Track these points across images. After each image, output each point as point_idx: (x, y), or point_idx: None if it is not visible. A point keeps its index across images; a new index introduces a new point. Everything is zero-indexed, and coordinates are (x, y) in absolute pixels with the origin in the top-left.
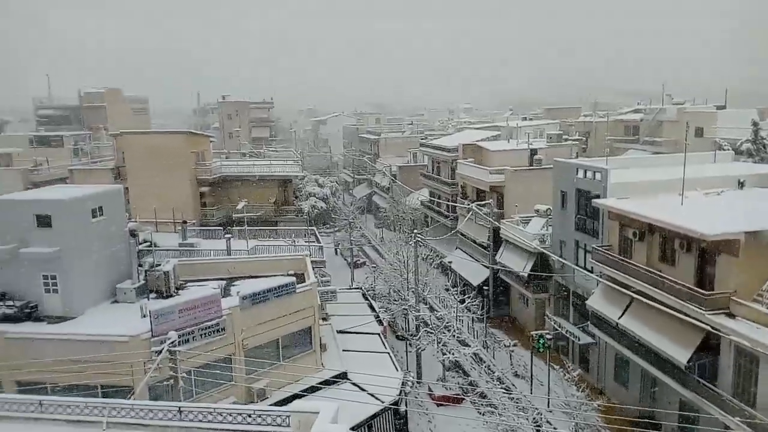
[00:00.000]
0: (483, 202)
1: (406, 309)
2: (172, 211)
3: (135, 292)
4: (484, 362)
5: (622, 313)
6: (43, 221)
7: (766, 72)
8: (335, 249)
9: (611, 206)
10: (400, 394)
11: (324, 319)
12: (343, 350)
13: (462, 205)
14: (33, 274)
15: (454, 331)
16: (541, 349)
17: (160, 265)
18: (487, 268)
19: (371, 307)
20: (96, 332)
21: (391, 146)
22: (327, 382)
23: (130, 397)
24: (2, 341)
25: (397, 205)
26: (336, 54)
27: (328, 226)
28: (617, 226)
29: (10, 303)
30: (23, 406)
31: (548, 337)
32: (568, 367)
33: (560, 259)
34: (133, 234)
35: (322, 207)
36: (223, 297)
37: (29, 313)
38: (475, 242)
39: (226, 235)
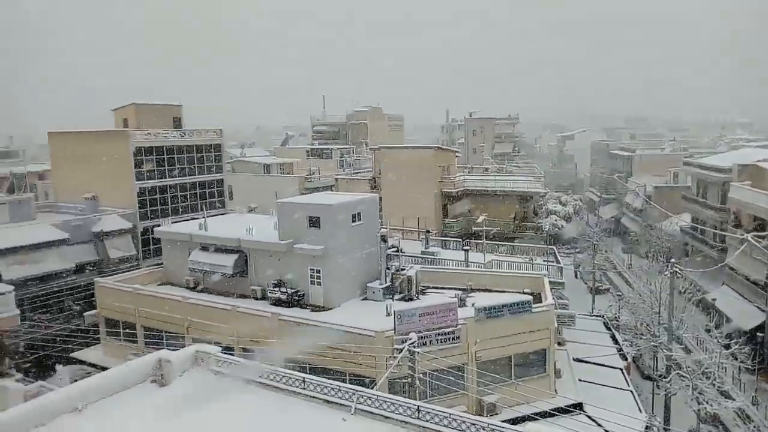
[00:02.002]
0: (763, 234)
1: (655, 346)
2: (417, 220)
3: (382, 292)
4: (752, 421)
5: None
6: (314, 222)
7: None
8: (575, 272)
9: None
10: None
11: (560, 344)
12: (579, 380)
13: (734, 235)
14: (303, 267)
15: (715, 379)
16: None
17: (404, 269)
18: (764, 311)
19: (614, 338)
20: (349, 324)
21: (647, 164)
22: (560, 410)
23: (372, 389)
24: (277, 322)
25: (651, 230)
26: (592, 67)
27: (569, 246)
28: None
29: (284, 290)
30: (290, 380)
31: None
32: None
33: None
34: (383, 239)
35: (563, 226)
36: (458, 307)
37: (297, 301)
38: (748, 279)
39: (465, 247)
